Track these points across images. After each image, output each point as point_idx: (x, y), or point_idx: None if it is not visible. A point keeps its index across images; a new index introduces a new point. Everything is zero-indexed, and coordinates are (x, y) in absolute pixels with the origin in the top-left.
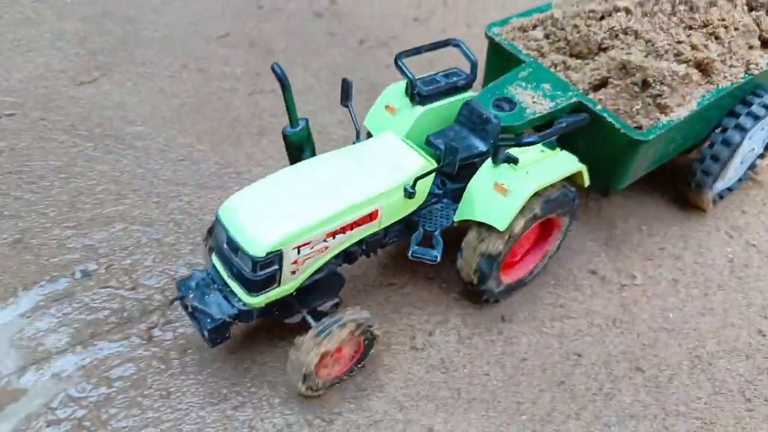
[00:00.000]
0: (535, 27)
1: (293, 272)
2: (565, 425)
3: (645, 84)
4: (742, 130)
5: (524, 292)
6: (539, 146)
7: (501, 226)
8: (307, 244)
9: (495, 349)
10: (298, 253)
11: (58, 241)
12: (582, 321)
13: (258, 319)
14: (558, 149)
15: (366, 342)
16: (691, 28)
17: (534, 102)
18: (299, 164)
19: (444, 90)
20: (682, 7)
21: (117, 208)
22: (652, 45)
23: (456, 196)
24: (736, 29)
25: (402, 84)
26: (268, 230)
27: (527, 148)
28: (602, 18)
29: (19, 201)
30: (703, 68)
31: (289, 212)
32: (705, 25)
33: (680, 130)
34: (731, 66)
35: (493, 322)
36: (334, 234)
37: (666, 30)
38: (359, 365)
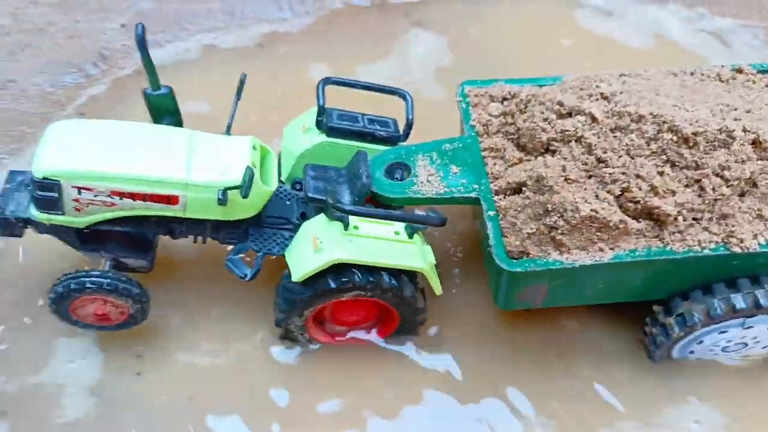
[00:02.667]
0: (503, 101)
1: (77, 209)
2: None
3: (548, 210)
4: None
5: None
6: (397, 226)
7: (295, 276)
8: (89, 189)
9: None
10: (79, 193)
11: None
12: None
13: (50, 235)
14: (418, 239)
15: (132, 313)
16: (672, 164)
17: (428, 181)
18: (139, 123)
19: (356, 132)
20: (669, 136)
21: None
22: (601, 166)
23: None
24: (754, 186)
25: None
26: (52, 158)
27: (376, 224)
28: (567, 115)
29: None
30: (657, 218)
31: (83, 153)
32: (696, 168)
33: (593, 276)
34: (705, 229)
35: None
36: (120, 194)
37: (632, 155)
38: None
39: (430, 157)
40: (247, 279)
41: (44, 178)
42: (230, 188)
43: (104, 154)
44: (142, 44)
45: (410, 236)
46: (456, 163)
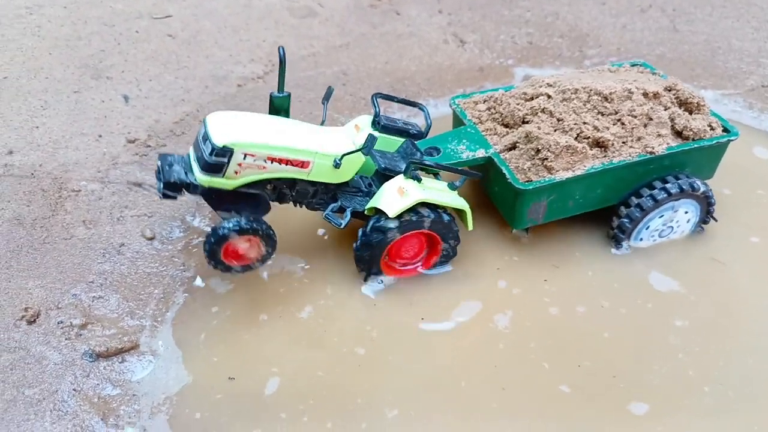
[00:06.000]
0: (485, 101)
1: (236, 172)
2: None
3: (538, 150)
4: (641, 208)
5: None
6: (444, 184)
7: (391, 213)
8: (253, 155)
9: None
10: (244, 158)
11: None
12: None
13: (199, 195)
14: (456, 192)
15: (265, 254)
16: (602, 114)
17: (455, 153)
18: (272, 116)
19: (398, 129)
20: (596, 97)
21: None
22: (561, 123)
23: None
24: (650, 119)
25: (370, 116)
26: (230, 132)
27: (434, 181)
28: (531, 99)
29: None
30: (602, 145)
31: (248, 130)
32: (616, 113)
33: (573, 189)
34: (631, 147)
35: None
36: (272, 159)
37: (577, 113)
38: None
39: (451, 141)
40: (342, 227)
41: (224, 147)
42: (347, 154)
43: (261, 131)
44: (282, 60)
45: (453, 189)
46: (469, 141)
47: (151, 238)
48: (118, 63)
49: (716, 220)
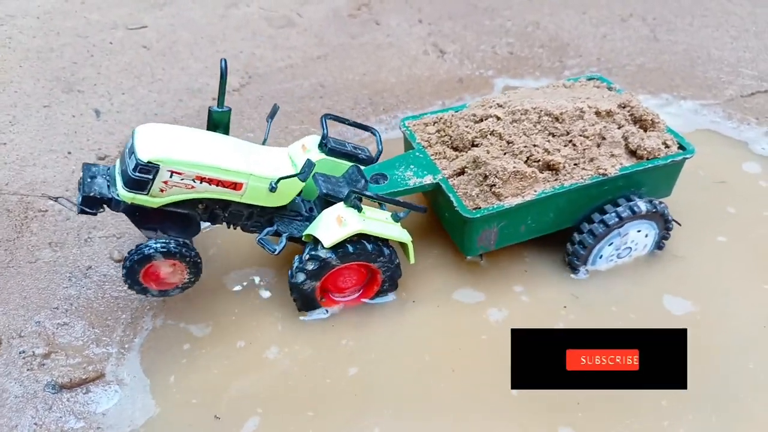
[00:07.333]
0: (434, 123)
1: (161, 190)
2: None
3: (486, 176)
4: (600, 227)
5: None
6: (387, 214)
7: (327, 243)
8: (179, 173)
9: None
10: (171, 176)
11: None
12: None
13: (122, 213)
14: (399, 224)
15: (189, 275)
16: (552, 135)
17: (402, 180)
18: (206, 131)
19: (345, 153)
20: (547, 118)
21: None
22: (511, 145)
23: None
24: (603, 138)
25: (319, 137)
26: (157, 147)
27: (377, 211)
28: (480, 120)
29: None
30: (553, 168)
31: (176, 146)
32: (567, 134)
33: (524, 214)
34: (583, 169)
35: None
36: (201, 179)
37: (528, 135)
38: (175, 291)
39: (399, 166)
40: (276, 253)
41: (148, 162)
42: (283, 178)
43: (191, 148)
44: (224, 73)
45: (396, 221)
46: (417, 166)
47: (120, 260)
48: (91, 76)
49: (680, 224)
